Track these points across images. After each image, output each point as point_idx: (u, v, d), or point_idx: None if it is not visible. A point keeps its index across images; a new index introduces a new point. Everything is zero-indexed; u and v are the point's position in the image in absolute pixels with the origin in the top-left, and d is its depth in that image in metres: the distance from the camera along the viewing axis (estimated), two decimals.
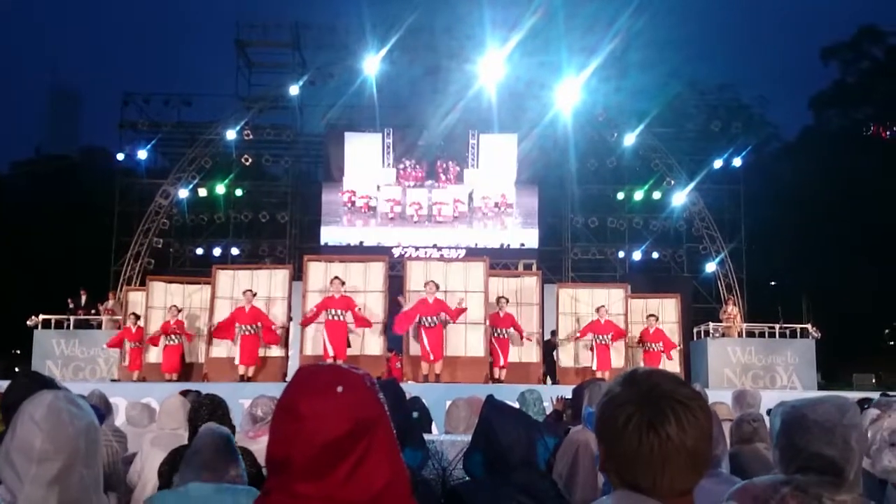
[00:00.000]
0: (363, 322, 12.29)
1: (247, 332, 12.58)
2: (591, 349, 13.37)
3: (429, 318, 12.18)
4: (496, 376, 12.55)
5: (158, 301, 14.03)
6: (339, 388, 1.32)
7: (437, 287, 12.38)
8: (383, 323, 12.79)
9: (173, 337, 13.31)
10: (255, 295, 12.83)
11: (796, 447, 2.05)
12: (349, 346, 12.30)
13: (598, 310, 13.46)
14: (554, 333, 14.42)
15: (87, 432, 1.84)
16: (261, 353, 12.92)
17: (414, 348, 12.61)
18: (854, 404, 2.14)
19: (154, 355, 13.64)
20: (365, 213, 21.02)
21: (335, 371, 1.37)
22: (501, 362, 12.64)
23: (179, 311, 13.50)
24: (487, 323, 12.65)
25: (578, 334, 13.53)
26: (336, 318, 12.17)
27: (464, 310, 12.35)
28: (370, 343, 12.73)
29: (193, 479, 2.63)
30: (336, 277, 12.48)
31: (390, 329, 12.78)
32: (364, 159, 21.09)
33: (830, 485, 1.98)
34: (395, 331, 12.60)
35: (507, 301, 12.83)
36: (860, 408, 4.05)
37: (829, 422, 2.03)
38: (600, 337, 13.27)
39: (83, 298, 17.57)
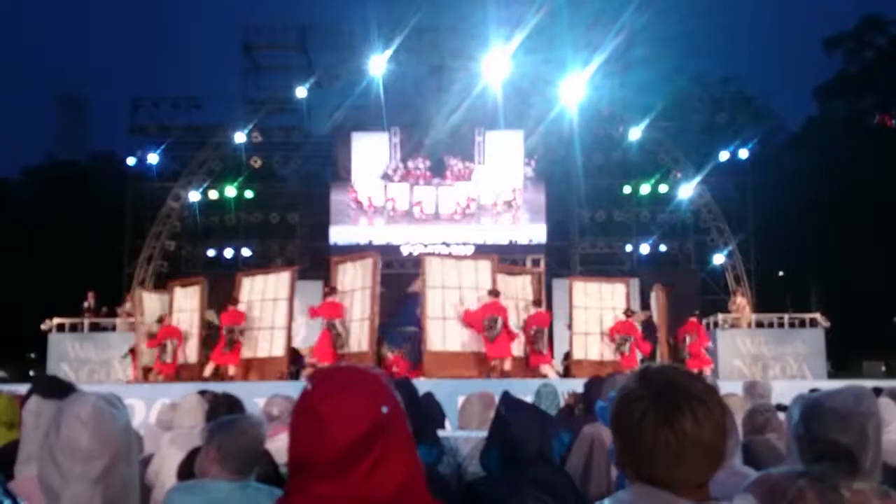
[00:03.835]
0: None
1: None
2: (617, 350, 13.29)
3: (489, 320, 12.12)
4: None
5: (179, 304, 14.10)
6: (358, 388, 1.36)
7: (498, 294, 12.35)
8: (370, 319, 12.54)
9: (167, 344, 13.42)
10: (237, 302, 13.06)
11: (813, 435, 2.03)
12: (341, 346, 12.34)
13: (625, 312, 13.41)
14: (567, 356, 14.32)
15: (126, 431, 1.87)
16: (262, 353, 12.98)
17: (454, 342, 12.49)
18: (871, 393, 2.12)
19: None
20: (373, 212, 21.04)
21: (352, 371, 1.40)
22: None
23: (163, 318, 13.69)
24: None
25: (608, 334, 13.46)
26: (330, 327, 12.23)
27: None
28: (356, 340, 12.52)
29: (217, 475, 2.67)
30: (327, 284, 12.62)
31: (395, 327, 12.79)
32: (371, 159, 21.10)
33: (845, 473, 1.97)
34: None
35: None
36: None
37: (844, 409, 2.01)
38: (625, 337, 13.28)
39: (93, 301, 17.64)
